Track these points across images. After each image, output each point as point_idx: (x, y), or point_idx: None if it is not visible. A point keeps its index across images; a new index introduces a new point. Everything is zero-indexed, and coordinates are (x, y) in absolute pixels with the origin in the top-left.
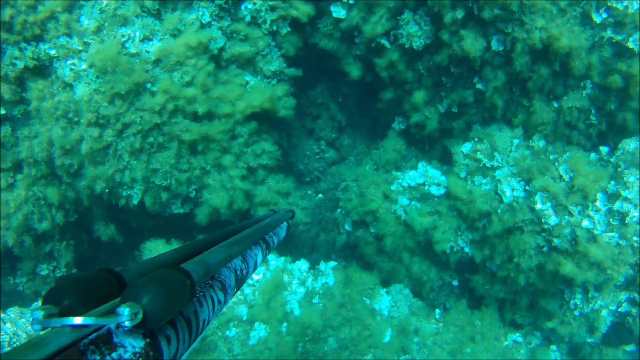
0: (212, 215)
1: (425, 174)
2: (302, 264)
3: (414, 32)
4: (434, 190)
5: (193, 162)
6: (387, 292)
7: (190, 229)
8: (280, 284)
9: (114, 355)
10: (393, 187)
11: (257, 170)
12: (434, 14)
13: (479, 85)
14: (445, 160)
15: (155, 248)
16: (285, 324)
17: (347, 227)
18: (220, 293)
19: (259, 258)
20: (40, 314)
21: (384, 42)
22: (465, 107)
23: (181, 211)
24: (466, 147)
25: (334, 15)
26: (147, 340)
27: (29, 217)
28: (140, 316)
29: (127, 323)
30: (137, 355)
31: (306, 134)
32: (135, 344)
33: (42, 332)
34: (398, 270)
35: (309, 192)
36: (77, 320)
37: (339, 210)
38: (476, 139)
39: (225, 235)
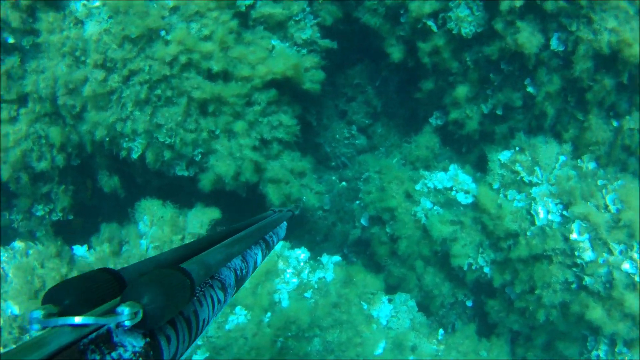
0: (216, 184)
1: (455, 178)
2: (302, 253)
3: (464, 16)
4: (461, 198)
5: (202, 123)
6: (390, 300)
7: (194, 194)
8: (272, 270)
9: (113, 354)
10: (417, 187)
11: (272, 144)
12: None
13: (529, 89)
14: (480, 167)
15: (150, 208)
16: (269, 314)
17: (363, 221)
18: (220, 292)
19: (259, 258)
20: (39, 313)
21: (431, 24)
22: (512, 111)
23: (185, 174)
24: (505, 156)
25: None
26: (147, 339)
27: (28, 154)
28: (140, 316)
29: (126, 322)
30: (137, 354)
31: (338, 115)
32: (135, 343)
33: (41, 332)
34: (409, 277)
35: (333, 177)
36: (77, 319)
37: (357, 202)
38: (517, 148)
39: (225, 234)
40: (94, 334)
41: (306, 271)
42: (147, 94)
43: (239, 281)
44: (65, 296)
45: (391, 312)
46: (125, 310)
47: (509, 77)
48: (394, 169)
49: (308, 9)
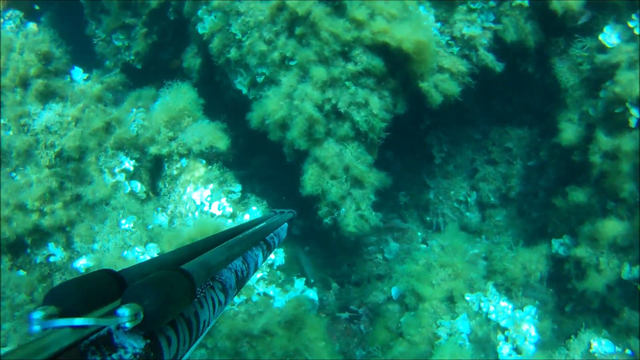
0: (257, 123)
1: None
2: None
3: None
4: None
5: (280, 40)
6: None
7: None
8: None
9: (114, 356)
10: (468, 296)
11: (344, 120)
12: None
13: None
14: None
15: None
16: None
17: (394, 291)
18: (221, 294)
19: (260, 259)
20: (40, 314)
21: (635, 112)
22: None
23: (244, 90)
24: None
25: None
26: (148, 341)
27: None
28: (140, 317)
29: (127, 324)
30: (138, 356)
31: (468, 170)
32: (136, 344)
33: (42, 333)
34: None
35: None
36: (78, 321)
37: (404, 265)
38: None
39: (226, 236)
40: (95, 336)
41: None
42: None
43: (240, 282)
44: (66, 297)
45: None
46: (125, 311)
47: None
48: (463, 267)
49: (494, 4)
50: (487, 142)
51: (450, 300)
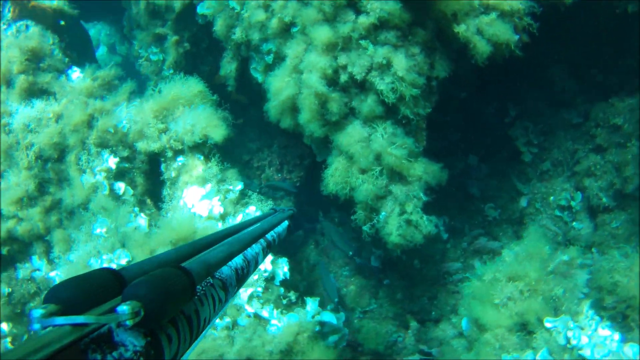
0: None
1: None
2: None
3: None
4: None
5: (275, 2)
6: None
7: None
8: None
9: (115, 354)
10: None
11: (366, 92)
12: None
13: None
14: None
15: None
16: None
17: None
18: (222, 292)
19: (260, 257)
20: (40, 312)
21: None
22: None
23: (259, 78)
24: None
25: None
26: (148, 338)
27: None
28: (141, 315)
29: (127, 322)
30: (138, 353)
31: (571, 167)
32: (136, 342)
33: (43, 331)
34: None
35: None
36: (78, 319)
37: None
38: None
39: (226, 234)
40: (95, 334)
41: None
42: None
43: (240, 280)
44: (66, 295)
45: None
46: (126, 309)
47: None
48: (539, 279)
49: None
50: (589, 125)
51: (523, 327)
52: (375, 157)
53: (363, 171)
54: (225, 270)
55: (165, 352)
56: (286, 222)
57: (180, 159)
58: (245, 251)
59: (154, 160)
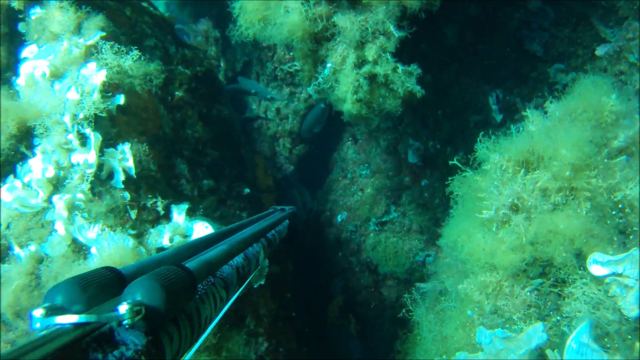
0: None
1: None
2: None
3: None
4: None
5: None
6: None
7: None
8: None
9: (116, 353)
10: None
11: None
12: None
13: None
14: None
15: None
16: None
17: None
18: (223, 290)
19: (261, 255)
20: (41, 312)
21: None
22: None
23: None
24: None
25: None
26: (150, 337)
27: None
28: (141, 314)
29: (128, 321)
30: (139, 352)
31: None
32: (137, 341)
33: (43, 331)
34: None
35: None
36: (79, 318)
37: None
38: None
39: (227, 233)
40: (96, 333)
41: None
42: None
43: (241, 279)
44: (67, 295)
45: None
46: (127, 308)
47: None
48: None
49: None
50: None
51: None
52: None
53: None
54: (226, 269)
55: (166, 351)
56: (287, 221)
57: None
58: (245, 250)
59: None
